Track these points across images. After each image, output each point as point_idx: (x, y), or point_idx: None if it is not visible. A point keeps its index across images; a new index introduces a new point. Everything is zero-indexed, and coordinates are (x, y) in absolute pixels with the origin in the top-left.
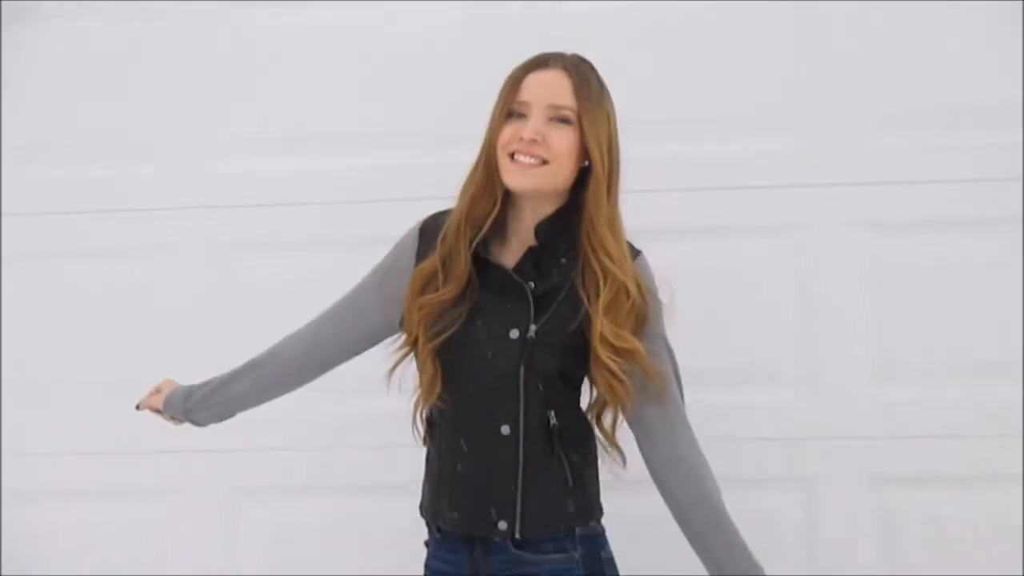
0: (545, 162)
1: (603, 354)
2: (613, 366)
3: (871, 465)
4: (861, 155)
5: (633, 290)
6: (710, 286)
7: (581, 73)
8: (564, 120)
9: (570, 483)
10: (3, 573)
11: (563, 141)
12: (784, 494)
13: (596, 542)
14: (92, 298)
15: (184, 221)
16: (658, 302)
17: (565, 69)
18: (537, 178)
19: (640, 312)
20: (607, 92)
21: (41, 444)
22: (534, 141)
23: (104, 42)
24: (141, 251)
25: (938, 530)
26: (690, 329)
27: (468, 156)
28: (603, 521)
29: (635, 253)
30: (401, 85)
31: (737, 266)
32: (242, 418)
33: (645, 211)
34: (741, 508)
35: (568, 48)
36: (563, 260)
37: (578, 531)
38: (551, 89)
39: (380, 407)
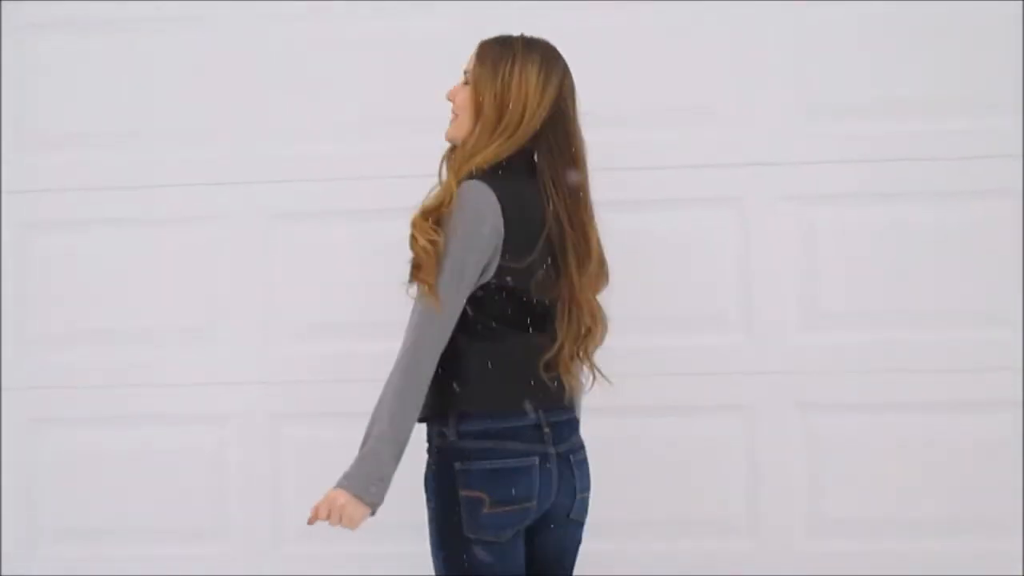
0: (456, 116)
1: None
2: None
3: (799, 395)
4: (792, 139)
5: (414, 231)
6: (666, 250)
7: (485, 45)
8: (467, 82)
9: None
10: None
11: (460, 97)
12: (726, 420)
13: (451, 451)
14: (166, 257)
15: (239, 192)
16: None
17: (479, 43)
18: (450, 129)
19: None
20: (512, 61)
21: (112, 379)
22: (449, 100)
23: (179, 49)
24: (206, 219)
25: (859, 451)
26: (650, 285)
27: None
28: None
29: (462, 183)
30: (423, 79)
31: (689, 232)
32: (283, 354)
33: (614, 186)
34: (691, 432)
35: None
36: None
37: (433, 429)
38: (468, 59)
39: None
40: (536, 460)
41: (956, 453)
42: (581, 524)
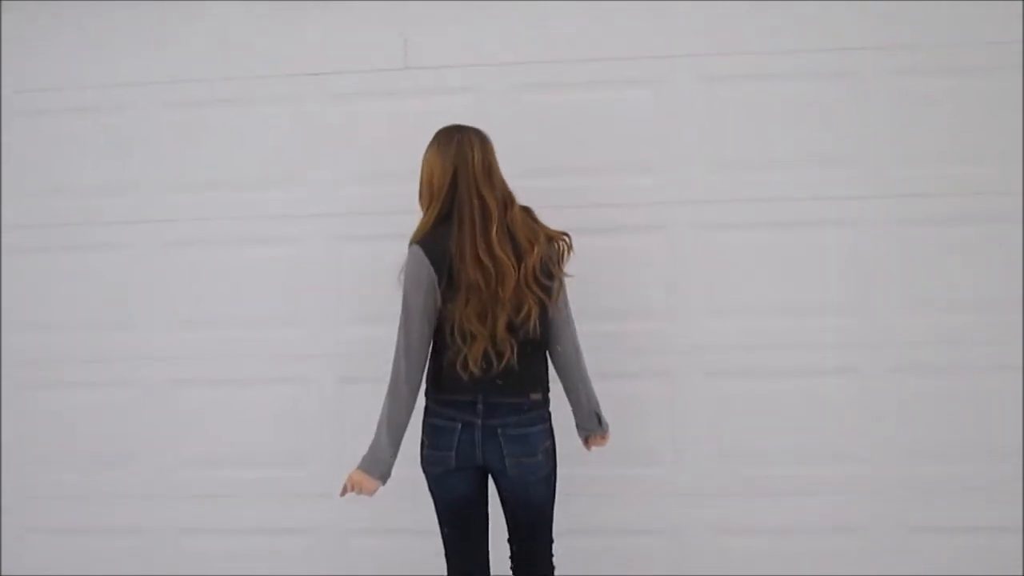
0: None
1: None
2: None
3: (710, 366)
4: (701, 185)
5: None
6: (615, 262)
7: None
8: None
9: None
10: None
11: None
12: (654, 385)
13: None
14: (262, 266)
15: (309, 223)
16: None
17: None
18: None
19: None
20: (430, 146)
21: (237, 350)
22: None
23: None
24: (281, 241)
25: (747, 403)
26: (602, 287)
27: None
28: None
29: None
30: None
31: (627, 249)
32: (344, 335)
33: (581, 217)
34: (628, 395)
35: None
36: None
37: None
38: None
39: None
40: (459, 425)
41: (813, 403)
42: (527, 482)
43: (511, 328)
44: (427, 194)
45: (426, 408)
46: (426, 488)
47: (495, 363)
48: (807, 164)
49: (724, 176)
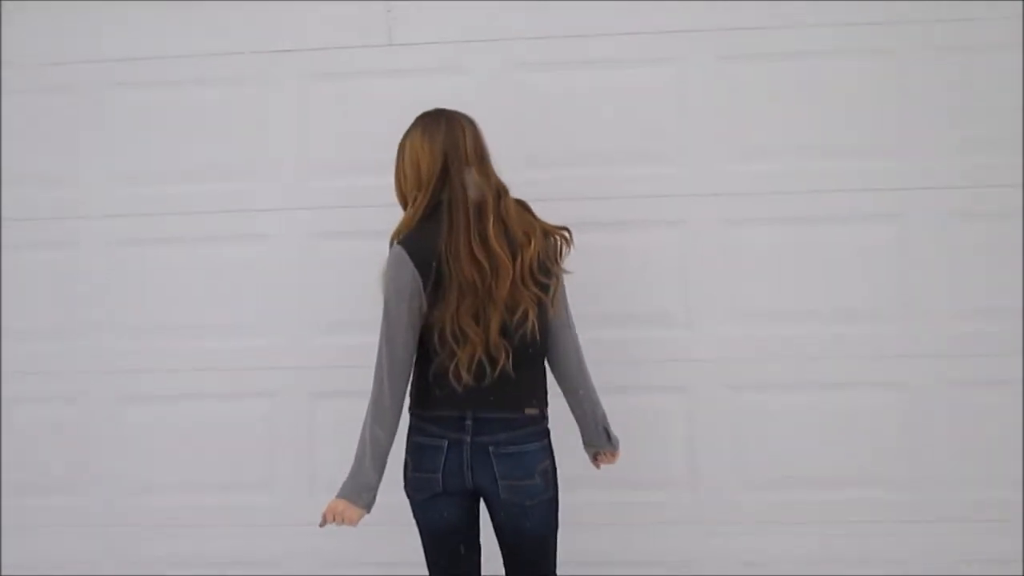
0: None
1: None
2: None
3: (733, 378)
4: (723, 175)
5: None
6: (622, 263)
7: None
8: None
9: None
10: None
11: None
12: (669, 400)
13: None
14: (222, 267)
15: (277, 218)
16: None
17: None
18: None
19: None
20: (412, 131)
21: (193, 364)
22: None
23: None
24: (246, 239)
25: (774, 421)
26: (611, 289)
27: None
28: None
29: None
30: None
31: (640, 247)
32: (319, 344)
33: (591, 212)
34: (641, 407)
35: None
36: None
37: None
38: None
39: None
40: (446, 443)
41: (851, 423)
42: (523, 507)
43: (505, 331)
44: (411, 185)
45: (410, 426)
46: (411, 515)
47: (488, 371)
48: (844, 152)
49: (750, 165)
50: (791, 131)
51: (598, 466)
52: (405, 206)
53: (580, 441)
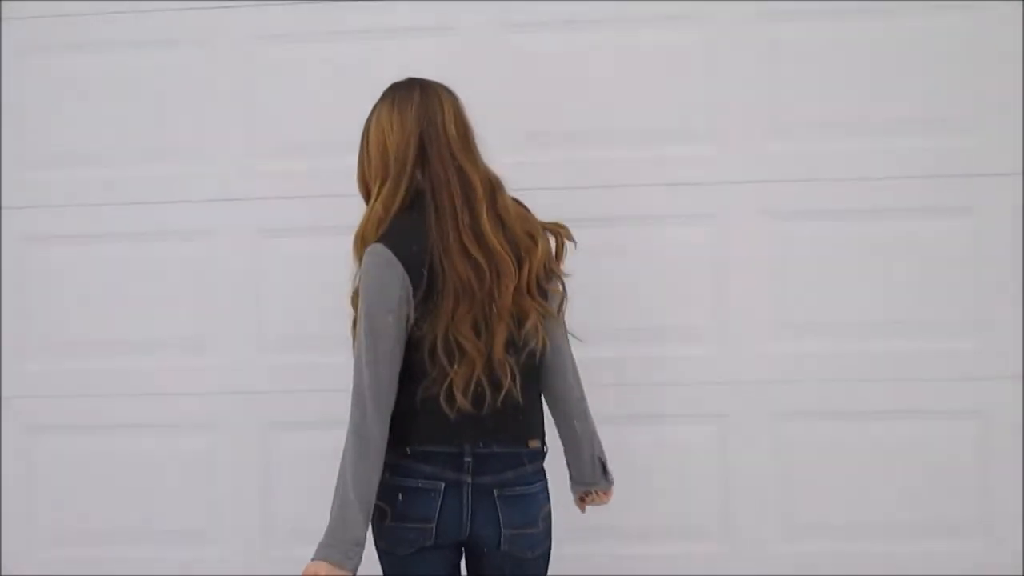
0: None
1: None
2: None
3: (776, 404)
4: (762, 159)
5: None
6: (639, 264)
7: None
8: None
9: None
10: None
11: None
12: (699, 431)
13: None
14: (161, 271)
15: (220, 210)
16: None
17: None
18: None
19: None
20: (381, 105)
21: (114, 389)
22: None
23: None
24: (182, 235)
25: (827, 456)
26: (628, 298)
27: None
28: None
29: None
30: None
31: (662, 246)
32: (272, 363)
33: (603, 203)
34: (666, 439)
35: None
36: None
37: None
38: None
39: None
40: (442, 486)
41: (918, 459)
42: (522, 561)
43: (511, 347)
44: (375, 172)
45: (386, 464)
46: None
47: (488, 395)
48: (907, 131)
49: (793, 146)
50: (844, 104)
51: (583, 508)
52: (367, 198)
53: None
